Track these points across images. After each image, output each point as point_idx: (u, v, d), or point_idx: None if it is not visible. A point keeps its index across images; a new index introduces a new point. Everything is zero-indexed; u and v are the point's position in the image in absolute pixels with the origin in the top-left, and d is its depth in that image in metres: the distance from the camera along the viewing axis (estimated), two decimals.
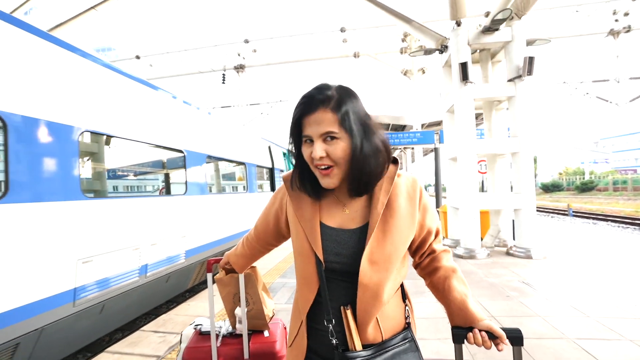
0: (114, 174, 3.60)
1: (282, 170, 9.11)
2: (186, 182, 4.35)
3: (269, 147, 8.49)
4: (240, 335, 1.44)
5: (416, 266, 0.95)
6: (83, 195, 2.78)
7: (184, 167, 4.34)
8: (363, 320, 0.78)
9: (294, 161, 0.88)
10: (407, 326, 0.86)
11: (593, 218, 15.57)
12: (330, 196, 0.87)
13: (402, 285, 0.89)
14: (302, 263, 0.85)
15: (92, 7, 11.47)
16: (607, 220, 14.59)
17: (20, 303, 2.26)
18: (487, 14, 9.20)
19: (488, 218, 5.77)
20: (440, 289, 0.88)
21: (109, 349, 2.78)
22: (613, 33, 11.69)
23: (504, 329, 0.79)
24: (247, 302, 1.41)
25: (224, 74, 14.39)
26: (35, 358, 2.53)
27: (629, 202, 24.39)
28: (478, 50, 5.68)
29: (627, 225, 12.96)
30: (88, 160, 3.08)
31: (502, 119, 5.88)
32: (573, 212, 16.54)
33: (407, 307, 0.89)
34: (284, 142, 11.36)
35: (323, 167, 0.77)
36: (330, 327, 0.78)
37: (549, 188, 40.31)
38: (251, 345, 1.44)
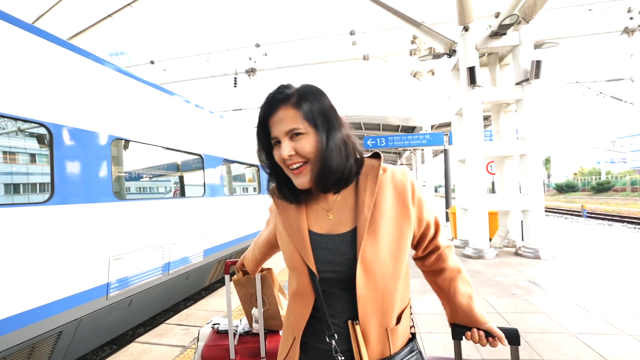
0: (140, 178, 3.86)
1: None
2: (204, 185, 4.59)
3: None
4: (257, 335, 1.50)
5: (417, 259, 0.93)
6: (114, 197, 3.03)
7: (203, 170, 4.58)
8: (367, 334, 0.73)
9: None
10: (412, 337, 0.84)
11: (608, 219, 15.30)
12: (313, 202, 0.84)
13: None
14: (294, 275, 0.81)
15: (109, 15, 11.94)
16: (622, 222, 14.33)
17: (62, 295, 2.51)
18: (497, 15, 9.23)
19: (497, 219, 5.84)
20: (446, 292, 0.88)
21: (138, 339, 3.01)
22: (627, 31, 11.51)
23: (502, 329, 0.81)
24: (264, 303, 1.44)
25: (235, 78, 14.73)
26: (74, 346, 2.78)
27: None
28: (486, 54, 5.77)
29: None
30: (117, 165, 3.33)
31: (510, 121, 5.95)
32: (587, 213, 16.28)
33: (411, 316, 0.87)
34: None
35: (295, 166, 0.74)
36: (334, 344, 0.73)
37: (563, 189, 39.54)
38: (267, 344, 1.47)
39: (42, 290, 2.36)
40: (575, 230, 8.35)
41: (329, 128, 0.74)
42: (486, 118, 8.42)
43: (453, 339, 0.87)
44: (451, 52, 5.90)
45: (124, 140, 3.25)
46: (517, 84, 5.18)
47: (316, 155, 0.73)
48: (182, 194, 4.46)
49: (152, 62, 15.39)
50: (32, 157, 2.51)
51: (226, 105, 16.01)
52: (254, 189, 6.97)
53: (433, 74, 13.44)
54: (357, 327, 0.72)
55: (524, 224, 5.33)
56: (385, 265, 0.73)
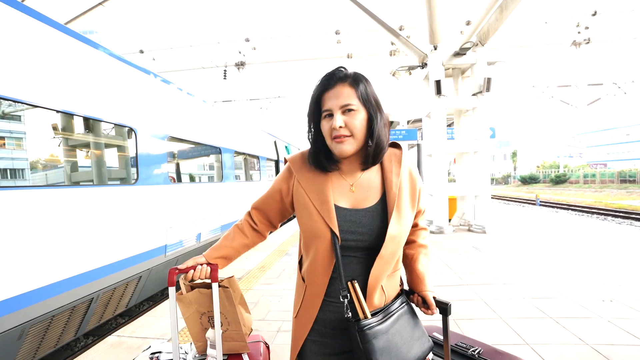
0: (181, 166, 4.84)
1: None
2: (222, 173, 5.60)
3: (275, 142, 9.73)
4: None
5: None
6: (169, 181, 4.03)
7: (221, 161, 5.59)
8: (372, 287, 0.87)
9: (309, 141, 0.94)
10: (402, 292, 1.01)
11: (557, 207, 17.50)
12: (337, 177, 0.94)
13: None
14: (317, 243, 0.89)
15: (100, 4, 12.26)
16: (568, 209, 16.50)
17: (142, 251, 3.52)
18: (461, 32, 10.51)
19: (455, 203, 7.24)
20: (410, 258, 1.05)
21: None
22: (575, 44, 13.23)
23: (437, 301, 0.99)
24: (221, 323, 1.14)
25: (225, 70, 15.33)
26: (145, 289, 3.80)
27: (594, 194, 26.69)
28: (451, 68, 7.03)
29: (583, 213, 14.85)
30: (171, 156, 4.30)
31: (468, 123, 7.29)
32: (540, 201, 18.45)
33: (401, 277, 1.01)
34: (284, 136, 12.60)
35: (341, 137, 0.84)
36: (346, 302, 0.84)
37: (527, 180, 42.81)
38: None
39: (131, 246, 3.36)
40: (526, 215, 9.98)
41: (376, 110, 0.87)
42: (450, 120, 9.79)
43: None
44: (423, 65, 7.11)
45: (174, 138, 4.22)
46: (473, 95, 6.49)
47: (361, 132, 0.85)
48: (210, 179, 5.47)
49: (141, 52, 15.63)
50: (127, 151, 3.46)
51: (216, 97, 16.60)
52: (259, 176, 8.01)
53: (410, 73, 14.71)
54: (357, 285, 0.86)
55: (475, 207, 6.73)
56: (403, 234, 0.89)
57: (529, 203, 20.47)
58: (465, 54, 6.39)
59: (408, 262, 1.06)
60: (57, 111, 2.61)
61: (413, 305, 1.02)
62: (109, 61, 3.26)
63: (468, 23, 11.17)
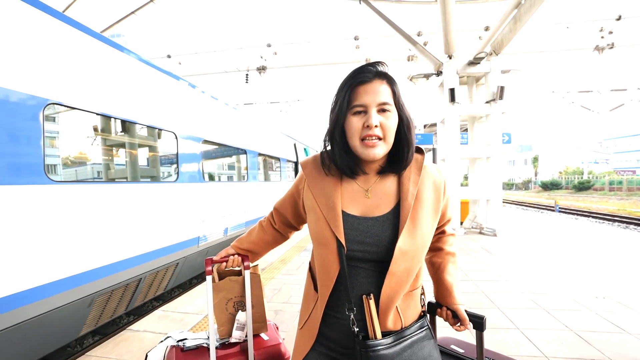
0: (213, 166, 5.35)
1: None
2: (247, 173, 6.09)
3: (294, 145, 10.20)
4: (234, 345, 1.29)
5: None
6: (203, 179, 4.52)
7: (247, 162, 6.07)
8: (385, 307, 0.79)
9: (327, 143, 0.88)
10: (423, 314, 0.91)
11: (577, 214, 17.16)
12: (350, 182, 0.88)
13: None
14: (322, 250, 0.84)
15: (132, 12, 13.13)
16: (588, 217, 16.17)
17: (180, 240, 4.01)
18: (480, 38, 10.65)
19: (468, 206, 7.46)
20: (436, 267, 0.99)
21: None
22: (598, 49, 13.06)
23: (470, 314, 0.89)
24: (243, 307, 1.26)
25: (247, 74, 16.00)
26: (180, 274, 4.30)
27: (619, 202, 25.82)
28: (466, 76, 7.27)
29: (603, 221, 14.55)
30: (204, 157, 4.80)
31: (482, 130, 7.50)
32: (560, 208, 18.13)
33: (422, 296, 0.92)
34: (303, 138, 13.06)
35: (373, 138, 0.77)
36: (352, 316, 0.79)
37: (548, 186, 41.67)
38: (256, 353, 1.28)
39: (172, 236, 3.86)
40: (543, 221, 10.01)
41: (407, 114, 0.83)
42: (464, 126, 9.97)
43: (427, 312, 0.94)
44: (439, 73, 7.38)
45: (207, 141, 4.72)
46: (487, 102, 6.72)
47: (392, 135, 0.80)
48: (237, 179, 5.96)
49: (169, 56, 16.53)
50: (170, 153, 3.98)
51: (238, 100, 17.30)
52: (279, 176, 8.49)
53: (427, 78, 14.89)
54: (371, 302, 0.79)
55: (486, 210, 6.95)
56: (417, 248, 0.80)
57: (548, 209, 20.10)
58: (479, 63, 6.63)
59: (434, 271, 1.00)
60: (133, 122, 3.12)
61: (435, 327, 0.96)
62: (163, 78, 3.78)
63: (487, 29, 11.33)
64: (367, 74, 0.79)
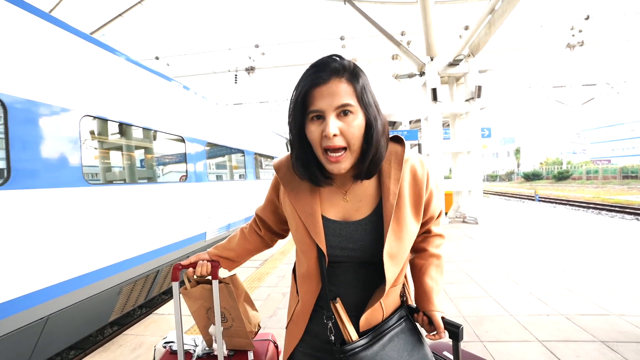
0: (216, 167, 5.69)
1: None
2: (245, 172, 6.45)
3: (286, 143, 10.57)
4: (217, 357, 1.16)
5: None
6: (207, 179, 4.88)
7: (244, 161, 6.43)
8: (371, 306, 0.77)
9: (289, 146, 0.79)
10: (402, 304, 0.86)
11: (555, 202, 18.13)
12: (328, 185, 0.81)
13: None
14: (304, 257, 0.81)
15: (119, 15, 13.18)
16: (566, 205, 17.14)
17: (190, 235, 4.36)
18: (460, 37, 11.21)
19: (452, 197, 8.01)
20: (418, 269, 0.90)
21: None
22: (570, 46, 13.86)
23: (446, 321, 0.82)
24: (225, 319, 1.15)
25: (236, 75, 16.22)
26: None
27: (595, 190, 27.18)
28: (447, 76, 7.79)
29: (579, 208, 15.50)
30: (207, 158, 5.13)
31: (462, 126, 8.05)
32: (539, 197, 19.09)
33: (405, 288, 0.88)
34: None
35: (335, 150, 0.69)
36: (330, 325, 0.77)
37: (530, 177, 43.23)
38: None
39: (183, 231, 4.21)
40: (523, 209, 10.69)
41: (375, 113, 0.71)
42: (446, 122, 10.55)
43: (407, 306, 0.89)
44: (421, 73, 7.88)
45: (210, 143, 5.07)
46: (466, 100, 7.25)
47: (360, 139, 0.70)
48: (239, 177, 6.32)
49: (157, 58, 16.57)
50: (180, 156, 4.31)
51: (227, 100, 17.47)
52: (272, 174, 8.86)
53: (410, 77, 15.45)
54: (338, 306, 0.77)
55: (468, 200, 7.51)
56: (405, 250, 0.76)
57: (529, 199, 21.09)
58: (458, 64, 7.15)
59: (415, 273, 0.91)
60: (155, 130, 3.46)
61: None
62: (175, 87, 4.12)
63: (466, 28, 11.91)
64: (321, 73, 0.68)
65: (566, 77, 13.73)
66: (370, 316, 0.78)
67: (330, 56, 0.71)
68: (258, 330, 1.24)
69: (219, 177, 5.92)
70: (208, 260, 1.05)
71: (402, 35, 12.60)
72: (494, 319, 2.60)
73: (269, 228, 1.04)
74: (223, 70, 16.11)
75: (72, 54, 2.69)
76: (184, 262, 1.07)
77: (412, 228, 0.78)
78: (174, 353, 1.25)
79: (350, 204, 0.80)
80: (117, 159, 3.59)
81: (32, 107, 2.26)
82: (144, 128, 3.53)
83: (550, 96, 14.36)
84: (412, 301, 0.92)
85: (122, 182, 3.54)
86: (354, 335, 0.75)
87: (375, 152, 0.73)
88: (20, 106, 2.17)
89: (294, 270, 0.95)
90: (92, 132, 3.06)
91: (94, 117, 2.86)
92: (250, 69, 16.36)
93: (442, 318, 0.83)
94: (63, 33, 2.63)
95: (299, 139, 0.74)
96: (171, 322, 2.94)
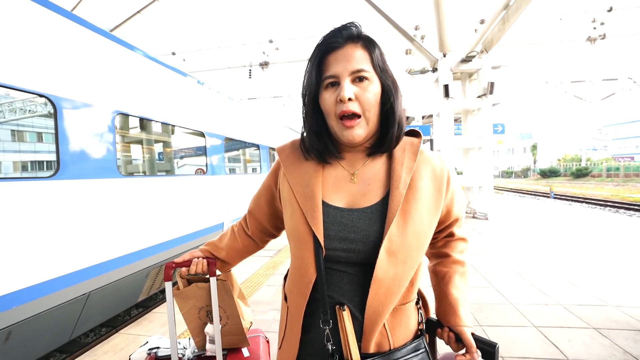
0: (233, 160, 5.96)
1: None
2: (260, 165, 6.71)
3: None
4: (211, 358, 1.15)
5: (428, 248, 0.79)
6: (226, 172, 5.15)
7: (259, 156, 6.69)
8: (371, 324, 0.65)
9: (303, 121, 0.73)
10: (420, 333, 0.74)
11: (571, 200, 17.79)
12: (334, 166, 0.74)
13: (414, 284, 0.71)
14: (296, 249, 0.70)
15: (138, 12, 13.58)
16: (582, 202, 16.80)
17: (210, 225, 4.65)
18: (475, 30, 11.11)
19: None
20: (440, 278, 0.80)
21: None
22: (590, 39, 13.49)
23: (477, 339, 0.71)
24: (220, 317, 1.08)
25: (250, 70, 16.46)
26: None
27: (614, 188, 26.40)
28: (459, 72, 7.81)
29: (595, 206, 15.20)
30: (225, 152, 5.40)
31: (475, 122, 8.07)
32: (554, 194, 18.75)
33: (420, 311, 0.77)
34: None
35: (348, 114, 0.65)
36: (327, 330, 0.65)
37: (547, 174, 42.25)
38: None
39: (204, 221, 4.49)
40: (537, 206, 10.63)
41: (393, 82, 0.69)
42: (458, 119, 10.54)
43: (426, 332, 0.77)
44: (434, 69, 7.92)
45: (228, 138, 5.33)
46: (478, 97, 7.28)
47: (376, 107, 0.67)
48: (257, 171, 6.59)
49: (173, 53, 16.98)
50: (201, 150, 4.59)
51: (242, 94, 17.76)
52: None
53: (423, 72, 15.36)
54: (345, 314, 0.65)
55: (479, 196, 7.57)
56: (409, 249, 0.65)
57: (544, 196, 20.74)
58: (471, 61, 7.17)
59: (437, 283, 0.82)
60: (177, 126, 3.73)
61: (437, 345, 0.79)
62: (197, 86, 4.38)
63: (482, 21, 11.77)
64: (336, 38, 0.66)
65: (585, 72, 13.40)
66: (374, 339, 0.66)
67: (345, 24, 0.68)
68: (250, 326, 1.23)
69: (232, 170, 6.20)
70: (203, 258, 0.98)
71: (416, 29, 12.53)
72: (494, 307, 2.77)
73: (259, 226, 0.93)
74: (237, 66, 16.38)
75: (114, 58, 2.95)
76: (177, 260, 1.00)
77: (422, 227, 0.67)
78: (161, 359, 1.20)
79: (357, 188, 0.72)
80: (149, 153, 3.87)
81: (76, 106, 2.54)
82: (173, 125, 3.80)
83: (569, 91, 14.05)
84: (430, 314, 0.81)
85: (149, 174, 3.83)
86: (355, 355, 0.64)
87: (392, 120, 0.69)
88: (67, 106, 2.45)
89: (284, 286, 0.83)
90: (123, 128, 3.34)
91: (126, 115, 3.13)
92: (264, 64, 16.56)
93: (473, 335, 0.73)
94: (103, 39, 2.90)
95: (312, 108, 0.71)
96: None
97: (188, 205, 4.09)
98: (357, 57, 0.65)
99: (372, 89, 0.66)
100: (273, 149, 7.78)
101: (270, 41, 16.18)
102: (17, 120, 3.11)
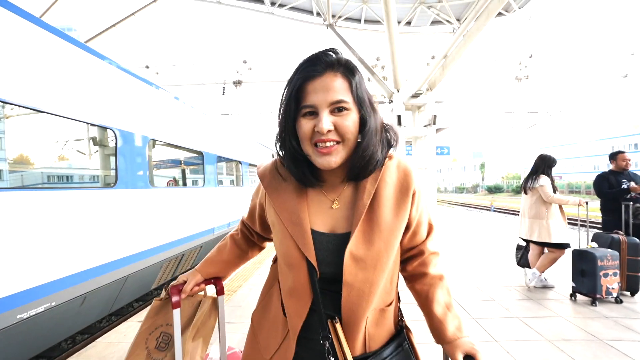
0: (222, 175, 6.87)
1: None
2: (242, 179, 7.68)
3: (272, 154, 11.86)
4: None
5: (401, 266, 0.83)
6: (217, 184, 6.07)
7: (241, 170, 7.67)
8: (349, 324, 0.68)
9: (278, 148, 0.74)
10: (400, 330, 0.79)
11: (508, 213, 20.47)
12: (315, 192, 0.75)
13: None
14: (290, 272, 0.72)
15: (113, 25, 14.06)
16: (515, 214, 19.45)
17: (204, 229, 5.53)
18: (427, 64, 13.08)
19: None
20: (423, 298, 0.80)
21: None
22: (518, 78, 16.23)
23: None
24: (166, 345, 0.93)
25: (224, 87, 17.34)
26: (199, 256, 5.80)
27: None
28: (410, 105, 9.45)
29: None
30: (217, 168, 6.29)
31: (421, 146, 9.70)
32: (494, 208, 21.43)
33: (399, 311, 0.82)
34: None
35: (328, 144, 0.64)
36: (327, 345, 0.68)
37: (492, 190, 46.83)
38: None
39: (200, 225, 5.37)
40: (477, 218, 12.49)
41: (370, 110, 0.69)
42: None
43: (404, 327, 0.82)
44: (391, 100, 9.48)
45: (220, 157, 6.28)
46: (425, 126, 8.92)
47: (355, 135, 0.67)
48: (235, 184, 7.53)
49: (147, 67, 17.34)
50: (199, 167, 5.50)
51: (215, 110, 18.46)
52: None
53: (380, 103, 17.28)
54: (337, 326, 0.68)
55: None
56: (377, 256, 0.68)
57: (487, 209, 23.47)
58: (418, 97, 8.82)
59: (421, 302, 0.80)
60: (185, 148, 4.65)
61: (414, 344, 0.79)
62: (200, 114, 5.34)
63: (433, 57, 13.85)
64: (315, 66, 0.65)
65: (514, 105, 16.02)
66: (358, 342, 0.70)
67: (325, 50, 0.67)
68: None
69: (221, 183, 7.12)
70: (206, 281, 1.00)
71: (377, 60, 14.32)
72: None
73: (256, 233, 0.99)
74: (211, 82, 17.16)
75: (150, 98, 3.89)
76: (185, 286, 0.96)
77: (388, 234, 0.69)
78: None
79: (338, 212, 0.72)
80: (168, 170, 4.76)
81: (128, 135, 3.47)
82: (183, 147, 4.75)
83: (502, 120, 16.64)
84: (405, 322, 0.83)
85: (172, 184, 4.71)
86: (350, 359, 0.66)
87: (367, 151, 0.67)
88: (122, 134, 3.37)
89: (277, 289, 0.83)
90: (152, 150, 4.25)
91: (154, 140, 4.06)
92: (237, 82, 17.50)
93: (469, 355, 0.71)
94: (145, 85, 3.85)
95: (290, 135, 0.69)
96: None
97: (188, 212, 4.99)
98: (336, 87, 0.64)
99: (350, 119, 0.65)
100: (252, 165, 8.78)
101: (244, 62, 17.25)
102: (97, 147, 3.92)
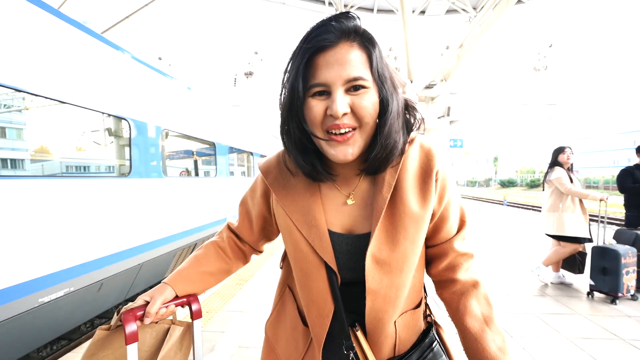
0: (235, 165, 6.92)
1: None
2: (253, 170, 7.71)
3: None
4: None
5: (425, 269, 0.70)
6: (229, 175, 6.11)
7: (252, 161, 7.70)
8: (377, 334, 0.61)
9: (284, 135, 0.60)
10: (429, 327, 0.69)
11: (521, 207, 20.08)
12: (328, 187, 0.65)
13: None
14: (307, 280, 0.64)
15: (126, 17, 14.14)
16: (530, 209, 19.07)
17: (216, 219, 5.59)
18: (442, 55, 12.79)
19: None
20: (454, 309, 0.65)
21: None
22: (536, 69, 15.71)
23: None
24: None
25: (235, 78, 17.34)
26: None
27: None
28: (424, 96, 9.27)
29: (540, 212, 17.39)
30: (231, 159, 6.32)
31: (435, 137, 9.54)
32: (507, 202, 21.05)
33: (427, 301, 0.73)
34: None
35: (342, 130, 0.52)
36: (352, 356, 0.61)
37: (505, 184, 45.96)
38: None
39: (211, 215, 5.43)
40: (490, 212, 12.29)
41: (391, 89, 0.55)
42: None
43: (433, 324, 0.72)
44: (403, 92, 9.30)
45: (232, 148, 6.30)
46: (438, 117, 8.74)
47: (374, 118, 0.54)
48: (246, 174, 7.58)
49: (160, 58, 17.46)
50: (213, 157, 5.53)
51: (226, 101, 18.54)
52: None
53: None
54: (359, 334, 0.62)
55: None
56: (402, 256, 0.58)
57: (499, 203, 23.08)
58: (432, 87, 8.63)
59: (453, 314, 0.66)
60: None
61: (448, 344, 0.70)
62: (212, 105, 5.34)
63: (447, 47, 13.53)
64: (327, 34, 0.51)
65: (531, 97, 15.56)
66: (386, 347, 0.62)
67: (338, 14, 0.53)
68: None
69: (232, 174, 7.16)
70: (178, 299, 0.72)
71: (389, 50, 14.06)
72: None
73: (249, 244, 0.84)
74: (223, 74, 17.18)
75: (163, 88, 3.90)
76: (149, 308, 0.67)
77: (414, 232, 0.58)
78: None
79: (356, 209, 0.62)
80: (181, 160, 4.80)
81: (142, 125, 3.49)
82: (195, 138, 4.77)
83: (518, 113, 16.19)
84: (434, 317, 0.73)
85: (185, 175, 4.76)
86: None
87: (387, 138, 0.54)
88: (137, 125, 3.39)
89: (292, 297, 0.75)
90: (165, 140, 4.28)
91: (167, 130, 4.08)
92: (249, 74, 17.47)
93: None
94: (158, 75, 3.86)
95: (296, 121, 0.56)
96: None
97: (199, 201, 5.04)
98: (353, 61, 0.51)
99: (370, 99, 0.52)
100: (262, 155, 8.80)
101: (256, 53, 17.17)
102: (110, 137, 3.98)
